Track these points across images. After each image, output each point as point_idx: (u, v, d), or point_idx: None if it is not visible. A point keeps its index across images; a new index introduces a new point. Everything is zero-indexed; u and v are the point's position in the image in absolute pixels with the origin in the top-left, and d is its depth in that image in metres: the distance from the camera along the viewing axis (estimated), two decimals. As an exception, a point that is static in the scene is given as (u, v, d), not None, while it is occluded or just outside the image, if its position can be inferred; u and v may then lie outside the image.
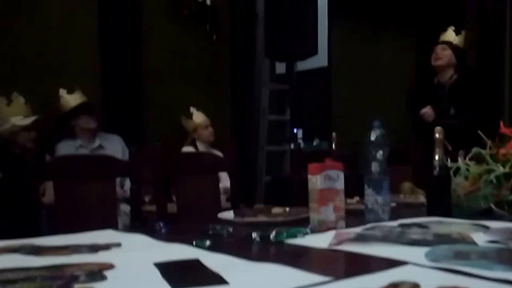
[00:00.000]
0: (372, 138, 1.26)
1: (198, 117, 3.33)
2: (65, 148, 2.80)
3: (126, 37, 3.36)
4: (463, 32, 3.08)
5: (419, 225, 1.14)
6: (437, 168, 1.34)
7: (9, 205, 2.35)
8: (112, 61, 3.30)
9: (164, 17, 3.51)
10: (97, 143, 2.88)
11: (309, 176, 1.18)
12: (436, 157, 1.34)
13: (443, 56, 2.98)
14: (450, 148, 1.42)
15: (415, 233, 1.03)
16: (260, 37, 3.65)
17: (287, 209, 1.42)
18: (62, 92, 2.86)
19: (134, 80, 3.41)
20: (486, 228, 1.09)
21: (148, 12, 3.43)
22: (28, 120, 2.63)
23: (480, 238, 0.97)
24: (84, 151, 2.82)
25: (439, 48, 3.01)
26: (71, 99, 2.87)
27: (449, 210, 1.33)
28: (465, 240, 0.96)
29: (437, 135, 1.34)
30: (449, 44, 3.00)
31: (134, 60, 3.39)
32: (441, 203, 1.34)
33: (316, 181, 1.16)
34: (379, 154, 1.26)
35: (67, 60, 3.08)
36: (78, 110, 2.85)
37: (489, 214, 1.30)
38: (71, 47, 3.10)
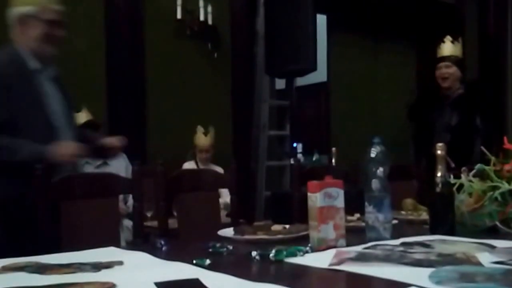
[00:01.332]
0: (372, 155, 1.24)
1: (201, 139, 3.33)
2: None
3: (131, 58, 3.44)
4: (460, 39, 3.08)
5: (422, 244, 1.11)
6: (440, 185, 1.32)
7: (17, 222, 2.36)
8: (117, 80, 3.39)
9: (168, 37, 3.58)
10: (101, 159, 2.92)
11: (308, 194, 1.16)
12: (439, 174, 1.32)
13: (449, 75, 2.98)
14: (452, 164, 1.39)
15: (418, 253, 1.01)
16: (260, 54, 3.69)
17: (287, 226, 1.40)
18: None
19: (138, 98, 3.48)
20: (491, 247, 1.06)
21: (152, 33, 3.51)
22: None
23: (486, 259, 0.94)
24: (89, 167, 2.88)
25: (443, 67, 2.99)
26: (78, 118, 2.94)
27: (453, 228, 1.30)
28: (470, 260, 0.93)
29: (439, 152, 1.32)
30: (452, 60, 3.00)
31: (138, 79, 3.46)
32: (445, 220, 1.31)
33: (315, 199, 1.14)
34: (380, 171, 1.24)
35: (74, 81, 3.17)
36: (84, 128, 2.90)
37: (494, 232, 1.28)
38: (78, 69, 3.20)
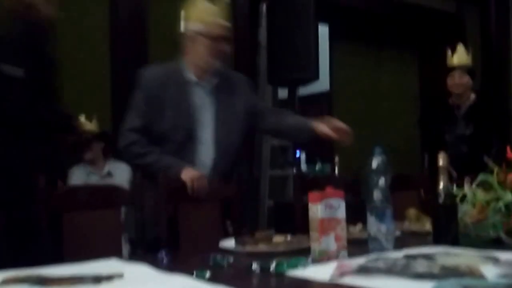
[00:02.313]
0: (374, 165, 1.23)
1: None
2: (77, 174, 2.99)
3: (136, 69, 3.44)
4: (470, 48, 3.07)
5: (425, 256, 1.09)
6: (442, 196, 1.30)
7: (20, 232, 2.37)
8: (122, 91, 3.41)
9: (171, 49, 3.58)
10: (106, 170, 3.05)
11: (309, 205, 1.15)
12: (441, 184, 1.30)
13: (462, 83, 2.97)
14: (455, 174, 1.38)
15: (421, 265, 0.99)
16: (262, 64, 3.69)
17: (289, 237, 1.39)
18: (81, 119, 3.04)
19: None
20: (495, 260, 1.05)
21: (156, 44, 3.54)
22: None
23: (490, 272, 0.92)
24: (94, 177, 3.00)
25: (456, 76, 2.97)
26: (86, 126, 3.05)
27: (457, 239, 1.28)
28: (474, 273, 0.91)
29: (441, 162, 1.31)
30: (465, 69, 2.99)
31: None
32: (448, 232, 1.29)
33: (316, 210, 1.13)
34: (381, 181, 1.22)
35: (80, 92, 3.20)
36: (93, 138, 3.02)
37: (498, 244, 1.26)
38: (84, 80, 3.25)
